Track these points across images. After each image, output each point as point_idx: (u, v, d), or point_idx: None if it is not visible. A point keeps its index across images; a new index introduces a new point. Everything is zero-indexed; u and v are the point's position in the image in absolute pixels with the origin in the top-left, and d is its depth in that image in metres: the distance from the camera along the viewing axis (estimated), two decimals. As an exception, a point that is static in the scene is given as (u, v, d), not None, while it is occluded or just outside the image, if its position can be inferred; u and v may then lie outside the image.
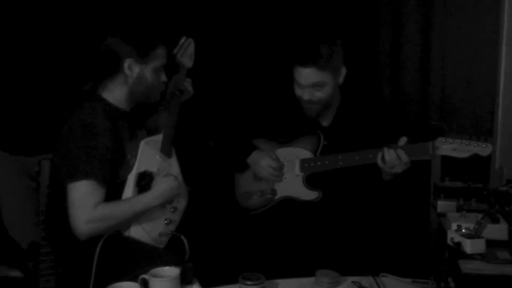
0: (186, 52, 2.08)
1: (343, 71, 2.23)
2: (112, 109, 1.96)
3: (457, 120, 3.20)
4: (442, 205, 2.43)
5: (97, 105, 1.94)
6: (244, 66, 3.28)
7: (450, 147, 2.04)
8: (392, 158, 2.07)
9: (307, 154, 2.30)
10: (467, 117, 3.22)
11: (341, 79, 2.25)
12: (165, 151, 2.05)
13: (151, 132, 2.17)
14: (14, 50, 2.82)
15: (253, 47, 3.29)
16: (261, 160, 2.30)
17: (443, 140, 2.05)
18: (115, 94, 1.98)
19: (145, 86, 1.98)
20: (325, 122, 2.36)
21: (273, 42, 3.20)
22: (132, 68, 1.94)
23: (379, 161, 2.11)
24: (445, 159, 2.10)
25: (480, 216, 2.09)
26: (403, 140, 2.10)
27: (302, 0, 3.28)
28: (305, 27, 3.21)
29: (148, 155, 1.98)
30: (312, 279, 1.87)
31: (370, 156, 2.13)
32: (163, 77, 2.03)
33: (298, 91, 2.23)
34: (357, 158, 2.16)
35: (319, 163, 2.25)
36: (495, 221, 2.09)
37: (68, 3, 2.90)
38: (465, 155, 2.03)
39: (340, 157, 2.20)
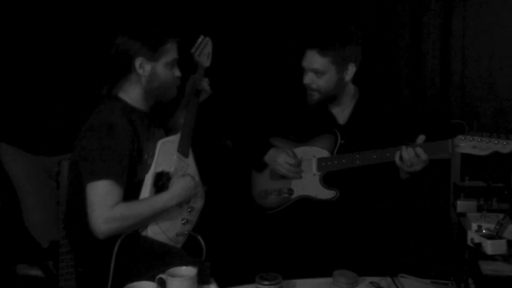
0: (204, 52, 2.09)
1: (352, 68, 2.23)
2: (129, 109, 1.98)
3: (478, 117, 3.16)
4: (462, 205, 2.40)
5: (115, 106, 1.95)
6: (261, 65, 3.27)
7: (470, 144, 2.02)
8: (411, 157, 2.05)
9: (324, 153, 2.29)
10: (488, 114, 3.17)
11: (347, 76, 2.24)
12: (183, 151, 2.05)
13: (169, 132, 2.18)
14: (35, 52, 2.86)
15: (270, 45, 3.28)
16: (278, 157, 2.30)
17: (463, 138, 2.02)
18: (131, 94, 1.99)
19: (159, 83, 1.98)
20: (342, 120, 2.35)
21: (291, 41, 3.19)
22: (143, 67, 1.95)
23: (397, 160, 2.09)
24: (466, 158, 2.08)
25: (501, 216, 2.06)
26: (421, 138, 2.08)
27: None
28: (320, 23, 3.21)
29: (166, 155, 1.99)
30: (329, 279, 1.87)
31: (388, 154, 2.12)
32: (177, 72, 2.03)
33: (303, 77, 2.25)
34: (374, 156, 2.15)
35: (336, 162, 2.24)
36: (517, 221, 2.06)
37: (77, 5, 2.93)
38: (485, 152, 2.00)
39: (357, 156, 2.18)
